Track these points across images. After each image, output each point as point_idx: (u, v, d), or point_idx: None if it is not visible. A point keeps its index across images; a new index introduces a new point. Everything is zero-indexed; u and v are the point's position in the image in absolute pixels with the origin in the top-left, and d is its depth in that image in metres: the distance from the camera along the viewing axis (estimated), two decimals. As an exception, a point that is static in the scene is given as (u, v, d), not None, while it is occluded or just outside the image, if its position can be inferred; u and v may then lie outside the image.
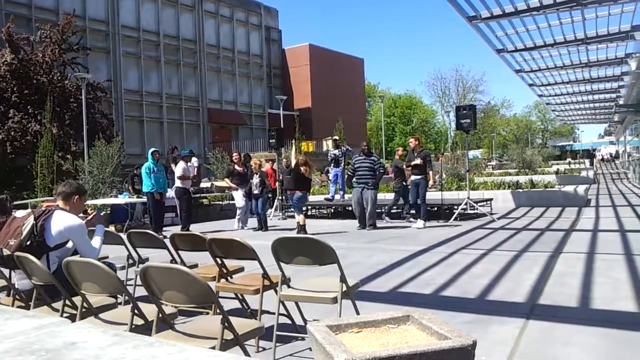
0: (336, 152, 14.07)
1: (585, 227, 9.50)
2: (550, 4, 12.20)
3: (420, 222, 10.41)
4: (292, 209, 10.67)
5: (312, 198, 17.10)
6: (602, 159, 33.91)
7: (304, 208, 11.47)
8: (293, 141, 22.76)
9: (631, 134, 35.21)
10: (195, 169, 12.17)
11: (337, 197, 14.21)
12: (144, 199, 12.49)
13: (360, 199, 10.44)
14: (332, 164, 14.31)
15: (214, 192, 15.71)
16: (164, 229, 10.56)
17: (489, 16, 13.07)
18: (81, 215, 3.94)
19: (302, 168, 9.86)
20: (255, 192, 11.00)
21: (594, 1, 11.93)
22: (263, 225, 10.98)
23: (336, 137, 15.00)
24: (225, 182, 12.10)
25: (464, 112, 12.02)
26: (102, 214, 3.86)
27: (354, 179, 10.61)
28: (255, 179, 11.00)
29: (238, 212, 11.60)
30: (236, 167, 11.61)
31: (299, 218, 10.02)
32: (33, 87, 20.16)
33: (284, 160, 13.75)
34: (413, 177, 10.65)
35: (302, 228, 9.91)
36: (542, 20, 13.97)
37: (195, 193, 14.47)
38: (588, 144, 71.38)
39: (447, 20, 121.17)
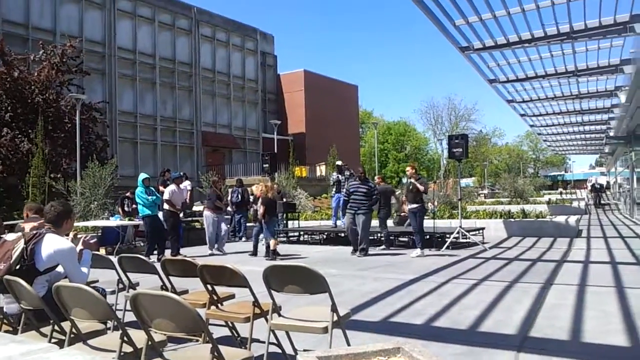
0: (340, 177, 14.12)
1: (577, 258, 9.53)
2: (542, 36, 12.44)
3: (417, 251, 10.36)
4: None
5: (304, 223, 17.13)
6: (593, 190, 34.13)
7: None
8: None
9: (621, 166, 35.55)
10: (188, 192, 12.17)
11: (339, 222, 14.19)
12: (136, 222, 12.46)
13: (354, 224, 10.48)
14: (334, 189, 14.36)
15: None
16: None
17: (481, 47, 13.29)
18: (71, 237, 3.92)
19: (269, 194, 10.46)
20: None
21: (584, 35, 12.17)
22: (272, 254, 10.42)
23: (339, 162, 15.05)
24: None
25: (456, 141, 12.13)
26: (93, 241, 3.84)
27: (348, 204, 10.68)
28: (259, 204, 10.97)
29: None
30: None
31: (273, 243, 10.32)
32: (27, 106, 20.16)
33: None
34: (410, 206, 10.62)
35: (273, 252, 10.24)
36: (533, 52, 14.21)
37: (187, 216, 14.42)
38: (580, 175, 71.93)
39: (441, 49, 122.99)
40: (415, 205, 10.51)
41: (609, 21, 11.60)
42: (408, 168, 11.17)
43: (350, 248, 10.80)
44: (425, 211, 10.64)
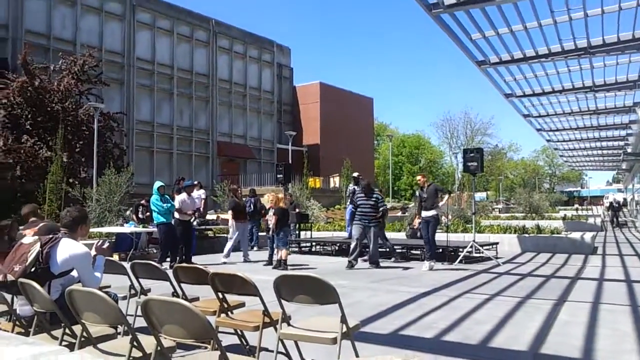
0: (356, 188, 14.12)
1: (591, 276, 9.40)
2: (559, 51, 12.41)
3: (427, 264, 10.19)
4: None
5: (317, 234, 17.12)
6: (610, 205, 33.62)
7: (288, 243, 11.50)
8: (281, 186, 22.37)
9: (639, 182, 35.10)
10: (203, 200, 12.25)
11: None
12: (150, 229, 12.56)
13: (363, 235, 10.48)
14: (350, 200, 14.36)
15: (219, 224, 15.72)
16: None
17: (497, 61, 13.30)
18: (86, 242, 3.97)
19: (282, 204, 10.55)
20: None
21: (602, 50, 12.12)
22: (281, 264, 10.37)
23: (356, 174, 15.06)
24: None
25: (471, 155, 12.08)
26: (106, 245, 3.88)
27: (356, 216, 10.69)
28: (270, 214, 11.00)
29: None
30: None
31: (283, 253, 10.33)
32: (47, 114, 20.51)
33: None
34: (424, 214, 10.50)
35: (283, 263, 10.24)
36: (550, 67, 14.16)
37: (201, 225, 14.50)
38: (596, 191, 71.15)
39: (458, 63, 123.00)
40: (429, 214, 10.41)
41: (627, 36, 11.55)
42: (419, 177, 11.11)
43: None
44: (438, 222, 10.55)
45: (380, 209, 10.69)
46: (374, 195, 10.79)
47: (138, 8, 29.79)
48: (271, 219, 10.65)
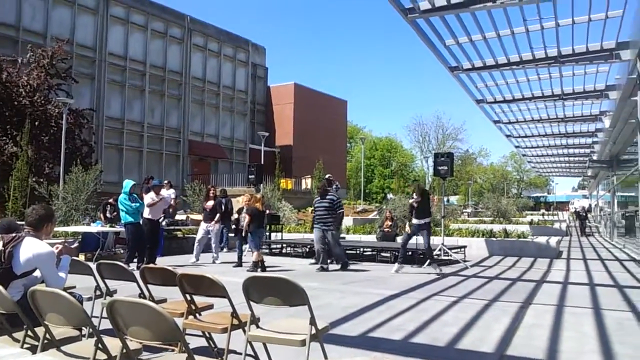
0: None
1: (556, 279, 9.61)
2: (530, 59, 12.64)
3: (434, 267, 10.16)
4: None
5: (287, 236, 17.09)
6: (576, 212, 34.33)
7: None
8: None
9: (603, 189, 36.00)
10: (172, 200, 12.10)
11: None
12: (117, 229, 12.35)
13: (323, 238, 10.43)
14: None
15: (189, 225, 15.54)
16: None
17: (470, 67, 13.46)
18: (51, 242, 3.88)
19: (257, 205, 10.32)
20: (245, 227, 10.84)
21: (572, 60, 12.39)
22: (258, 265, 10.23)
23: (328, 176, 15.05)
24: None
25: (442, 159, 12.23)
26: (74, 245, 3.80)
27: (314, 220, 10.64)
28: (244, 213, 10.85)
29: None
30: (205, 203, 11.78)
31: (256, 255, 10.16)
32: (14, 109, 19.98)
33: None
34: (421, 221, 10.30)
35: (259, 265, 10.07)
36: (521, 75, 14.42)
37: (170, 225, 14.32)
38: (562, 197, 72.74)
39: (431, 68, 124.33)
40: (423, 220, 10.23)
41: (595, 47, 11.83)
42: (415, 197, 10.58)
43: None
44: (428, 227, 10.37)
45: (338, 211, 10.53)
46: (328, 197, 10.59)
47: (112, 2, 29.31)
48: (244, 218, 10.53)
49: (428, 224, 10.33)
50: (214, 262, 11.47)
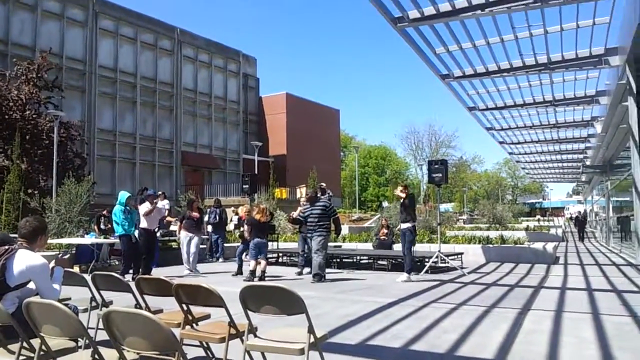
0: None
1: (554, 285, 9.59)
2: (520, 66, 12.74)
3: (404, 275, 9.97)
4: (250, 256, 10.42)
5: (283, 245, 17.01)
6: (575, 218, 34.36)
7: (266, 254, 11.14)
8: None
9: (598, 194, 36.18)
10: (167, 211, 12.01)
11: None
12: (111, 240, 12.25)
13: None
14: None
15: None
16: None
17: (461, 75, 13.55)
18: (45, 254, 3.83)
19: (257, 216, 10.23)
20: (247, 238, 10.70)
21: (561, 66, 12.49)
22: (255, 274, 10.12)
23: (323, 184, 15.03)
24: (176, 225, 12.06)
25: (436, 166, 12.22)
26: (66, 257, 3.76)
27: (306, 228, 10.41)
28: (245, 225, 10.84)
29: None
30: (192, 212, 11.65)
31: (253, 264, 10.10)
32: (4, 122, 19.89)
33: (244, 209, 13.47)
34: (402, 226, 10.20)
35: (255, 273, 10.01)
36: (512, 81, 14.53)
37: (165, 236, 14.23)
38: (557, 202, 73.07)
39: (423, 76, 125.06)
40: (404, 226, 10.09)
41: (585, 53, 11.93)
42: (400, 188, 10.56)
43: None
44: (412, 232, 10.13)
45: (333, 217, 10.38)
46: (320, 203, 10.39)
47: (101, 15, 29.34)
48: (246, 229, 10.54)
49: (409, 229, 10.06)
50: (187, 275, 11.05)
